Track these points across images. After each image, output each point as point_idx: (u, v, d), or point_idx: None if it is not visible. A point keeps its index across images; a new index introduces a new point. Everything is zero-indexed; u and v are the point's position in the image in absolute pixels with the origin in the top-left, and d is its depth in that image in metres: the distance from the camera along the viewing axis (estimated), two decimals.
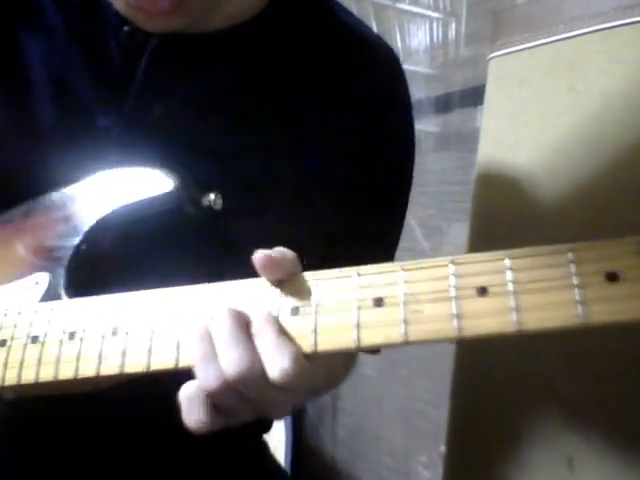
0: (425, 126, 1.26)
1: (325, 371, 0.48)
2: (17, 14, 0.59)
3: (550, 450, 0.61)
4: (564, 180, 0.63)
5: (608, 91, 0.61)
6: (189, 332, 0.44)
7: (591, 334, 0.57)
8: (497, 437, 0.66)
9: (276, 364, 0.41)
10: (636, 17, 0.60)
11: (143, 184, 0.54)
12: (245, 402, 0.43)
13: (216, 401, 0.43)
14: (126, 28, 0.57)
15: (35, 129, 0.58)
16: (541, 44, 0.68)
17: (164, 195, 0.53)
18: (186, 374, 0.44)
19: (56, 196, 0.57)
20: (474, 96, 1.10)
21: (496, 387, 0.66)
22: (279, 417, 0.50)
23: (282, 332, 0.42)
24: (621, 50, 0.61)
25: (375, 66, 0.65)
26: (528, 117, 0.68)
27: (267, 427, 0.74)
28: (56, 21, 0.59)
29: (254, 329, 0.42)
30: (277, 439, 1.58)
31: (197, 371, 0.43)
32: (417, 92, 1.28)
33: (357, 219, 0.62)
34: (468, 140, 1.10)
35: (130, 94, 0.57)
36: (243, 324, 0.42)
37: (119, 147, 0.56)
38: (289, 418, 1.61)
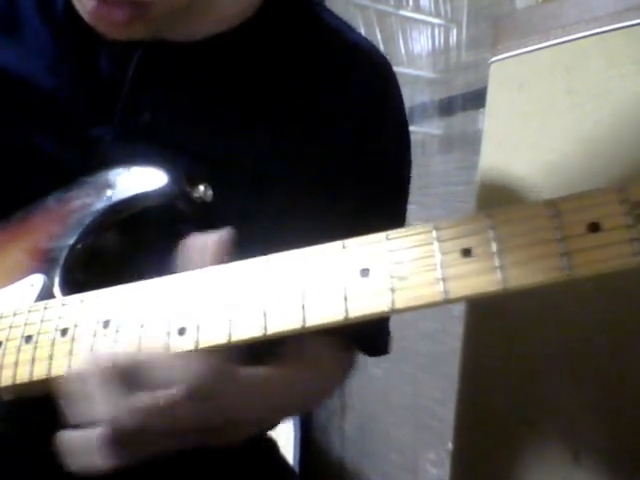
0: (429, 129, 1.27)
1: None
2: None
3: (557, 445, 0.61)
4: (563, 180, 0.64)
5: (605, 92, 0.62)
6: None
7: (597, 333, 0.58)
8: (504, 433, 0.66)
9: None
10: (631, 21, 0.61)
11: (135, 181, 0.55)
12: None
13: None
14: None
15: (29, 140, 0.59)
16: (540, 48, 0.68)
17: (156, 190, 0.54)
18: None
19: (51, 199, 0.57)
20: (476, 99, 1.10)
21: (502, 385, 0.67)
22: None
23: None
24: (617, 52, 0.61)
25: (364, 70, 0.65)
26: (528, 119, 0.69)
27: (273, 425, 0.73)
28: (42, 33, 0.59)
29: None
30: (286, 438, 1.58)
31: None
32: (420, 96, 1.30)
33: (354, 214, 0.62)
34: (471, 142, 1.11)
35: (119, 103, 0.58)
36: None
37: (111, 154, 0.57)
38: (297, 417, 1.62)
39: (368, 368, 1.47)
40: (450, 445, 0.75)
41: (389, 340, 0.71)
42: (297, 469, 1.54)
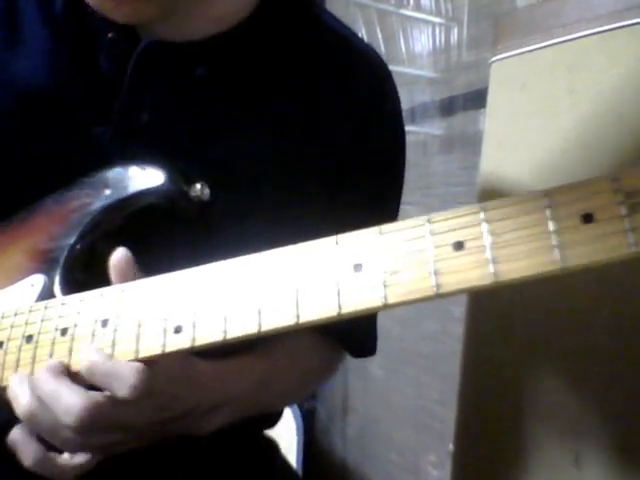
0: (429, 129, 1.26)
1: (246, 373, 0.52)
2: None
3: (557, 447, 0.61)
4: (565, 180, 0.63)
5: (607, 92, 0.61)
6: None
7: (599, 333, 0.58)
8: (504, 435, 0.66)
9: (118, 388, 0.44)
10: (633, 19, 0.60)
11: (133, 180, 0.55)
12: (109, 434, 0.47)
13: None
14: (110, 35, 0.58)
15: (28, 140, 0.59)
16: (541, 47, 0.68)
17: (154, 188, 0.54)
18: None
19: (50, 200, 0.58)
20: (477, 99, 1.10)
21: (503, 386, 0.67)
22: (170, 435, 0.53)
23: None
24: (619, 52, 0.61)
25: (363, 70, 0.66)
26: (529, 119, 0.68)
27: (271, 422, 0.73)
28: (42, 33, 0.59)
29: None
30: (288, 440, 1.58)
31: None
32: (421, 96, 1.29)
33: (352, 213, 0.61)
34: (472, 142, 1.10)
35: (118, 102, 0.58)
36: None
37: (111, 153, 0.57)
38: (300, 419, 1.62)
39: (369, 370, 1.47)
40: (451, 446, 0.74)
41: (376, 341, 0.71)
42: (300, 471, 1.54)
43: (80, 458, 0.48)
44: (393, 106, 0.68)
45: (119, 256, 0.48)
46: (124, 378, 0.44)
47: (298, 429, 1.62)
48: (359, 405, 1.60)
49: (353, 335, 0.67)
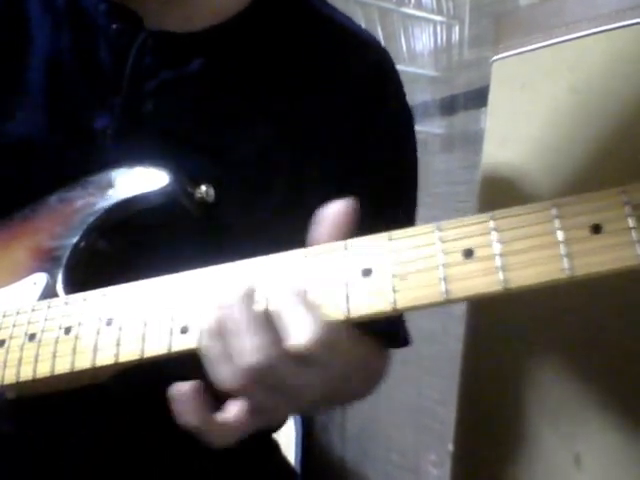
0: (430, 128, 1.27)
1: (360, 352, 0.49)
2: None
3: (557, 447, 0.61)
4: (566, 180, 0.63)
5: (609, 92, 0.61)
6: (199, 326, 0.41)
7: (601, 330, 0.58)
8: (505, 435, 0.66)
9: (300, 333, 0.38)
10: (636, 19, 0.60)
11: (138, 181, 0.55)
12: (272, 392, 0.41)
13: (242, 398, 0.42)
14: (114, 26, 0.58)
15: (32, 136, 0.59)
16: (543, 46, 0.68)
17: (158, 190, 0.54)
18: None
19: (54, 198, 0.58)
20: (478, 98, 1.10)
21: (503, 386, 0.67)
22: (314, 408, 0.48)
23: (305, 302, 0.40)
24: (621, 51, 0.61)
25: (363, 56, 0.65)
26: (531, 118, 0.68)
27: (275, 427, 0.73)
28: (44, 26, 0.60)
29: (273, 306, 0.40)
30: (287, 438, 1.58)
31: (213, 371, 0.41)
32: (422, 94, 1.29)
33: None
34: (473, 141, 1.11)
35: (120, 93, 0.58)
36: (253, 309, 0.40)
37: (115, 147, 0.57)
38: (298, 417, 1.61)
39: None
40: (451, 446, 0.74)
41: (408, 331, 0.70)
42: (298, 469, 1.54)
43: (235, 410, 0.43)
44: (394, 88, 0.67)
45: (339, 207, 0.43)
46: (309, 324, 0.39)
47: (297, 427, 1.62)
48: (358, 404, 1.60)
49: (391, 329, 0.66)
